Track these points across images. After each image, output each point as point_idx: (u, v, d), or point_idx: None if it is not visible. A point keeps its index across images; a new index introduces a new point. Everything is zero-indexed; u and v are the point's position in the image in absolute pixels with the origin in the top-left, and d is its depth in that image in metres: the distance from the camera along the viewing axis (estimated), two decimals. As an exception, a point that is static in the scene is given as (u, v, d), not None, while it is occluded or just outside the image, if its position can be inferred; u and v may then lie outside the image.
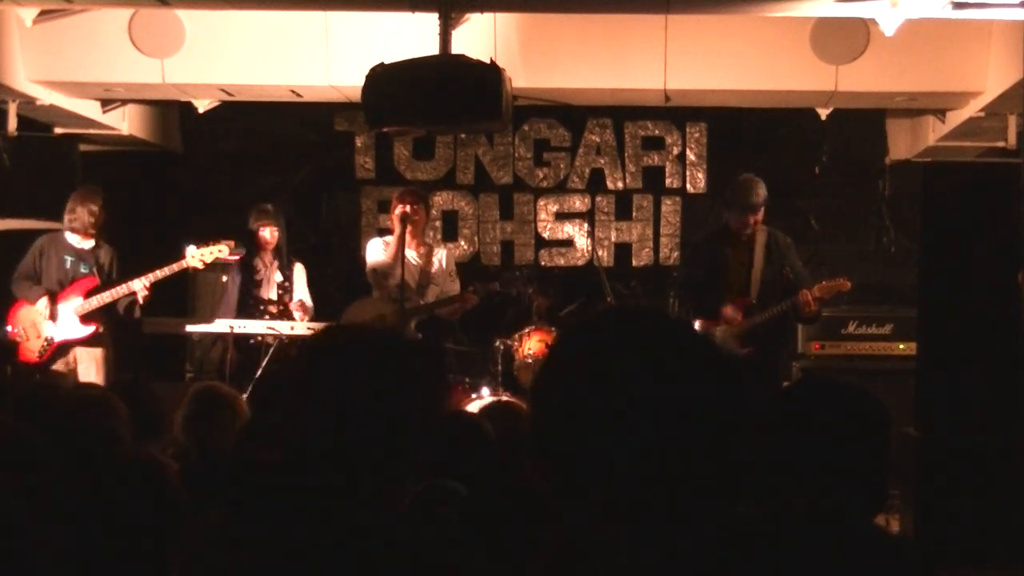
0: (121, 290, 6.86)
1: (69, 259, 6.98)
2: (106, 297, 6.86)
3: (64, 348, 6.90)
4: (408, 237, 6.95)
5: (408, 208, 6.82)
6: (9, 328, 6.89)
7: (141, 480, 2.67)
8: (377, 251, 7.03)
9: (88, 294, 6.89)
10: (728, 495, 1.38)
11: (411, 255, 6.98)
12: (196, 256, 6.98)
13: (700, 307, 6.60)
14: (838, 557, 1.13)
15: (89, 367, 6.94)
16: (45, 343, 6.84)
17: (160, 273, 6.86)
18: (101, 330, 6.95)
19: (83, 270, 6.98)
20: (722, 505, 1.34)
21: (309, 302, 7.36)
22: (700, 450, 1.34)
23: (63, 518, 2.60)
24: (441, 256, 7.18)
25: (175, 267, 6.92)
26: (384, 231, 9.04)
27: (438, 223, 9.02)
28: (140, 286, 6.82)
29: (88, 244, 7.03)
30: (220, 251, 7.04)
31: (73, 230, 6.99)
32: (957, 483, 5.56)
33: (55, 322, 6.85)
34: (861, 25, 6.53)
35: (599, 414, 1.31)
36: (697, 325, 6.50)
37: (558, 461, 1.34)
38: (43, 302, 6.82)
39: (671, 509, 1.33)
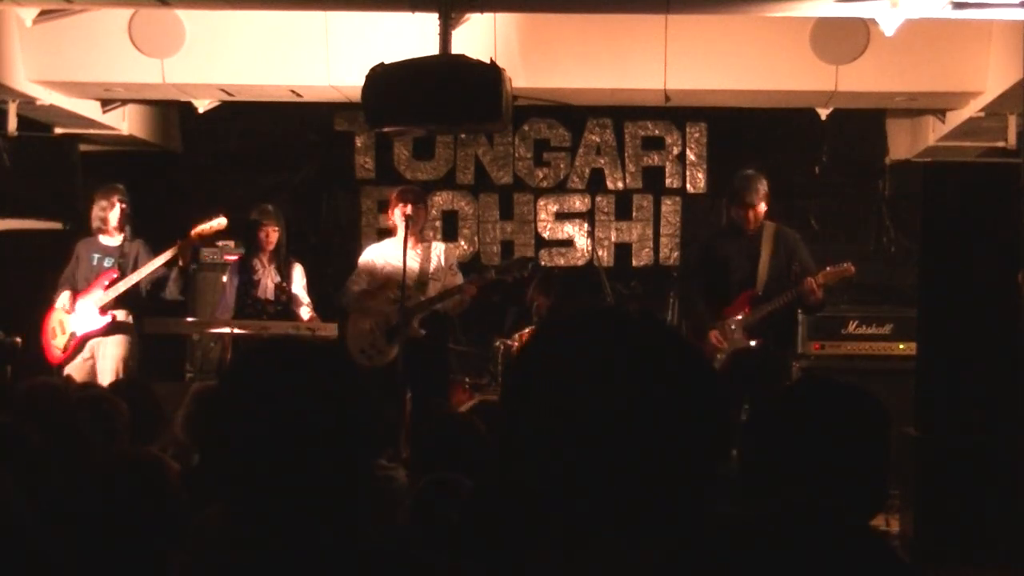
0: (139, 274, 6.99)
1: (96, 256, 7.16)
2: (121, 286, 7.00)
3: (84, 341, 7.04)
4: (408, 236, 6.96)
5: (410, 209, 6.81)
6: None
7: (141, 480, 2.67)
8: (373, 255, 7.07)
9: (109, 286, 7.04)
10: (727, 495, 1.38)
11: (411, 255, 6.95)
12: (197, 230, 7.17)
13: (706, 300, 6.58)
14: (836, 558, 1.13)
15: (106, 363, 7.03)
16: (68, 338, 7.00)
17: (170, 253, 7.02)
18: (119, 319, 7.07)
19: (107, 264, 7.12)
20: (721, 505, 1.34)
21: (307, 301, 7.38)
22: (700, 450, 1.34)
23: (63, 518, 2.60)
24: (439, 252, 7.15)
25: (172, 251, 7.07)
26: (383, 231, 9.05)
27: (438, 223, 9.02)
28: (171, 252, 6.97)
29: (115, 241, 7.18)
30: (219, 223, 7.21)
31: (97, 232, 7.18)
32: (957, 483, 5.56)
33: (76, 316, 7.01)
34: (861, 25, 6.53)
35: (599, 414, 1.31)
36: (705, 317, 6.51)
37: (553, 461, 1.34)
38: (63, 298, 7.00)
39: (671, 509, 1.33)
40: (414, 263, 6.94)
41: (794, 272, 6.43)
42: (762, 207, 6.46)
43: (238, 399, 1.66)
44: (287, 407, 1.63)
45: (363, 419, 1.68)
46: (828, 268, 6.42)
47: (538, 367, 1.38)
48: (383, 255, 7.05)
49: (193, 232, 7.17)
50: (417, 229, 6.97)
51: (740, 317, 6.43)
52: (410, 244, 6.88)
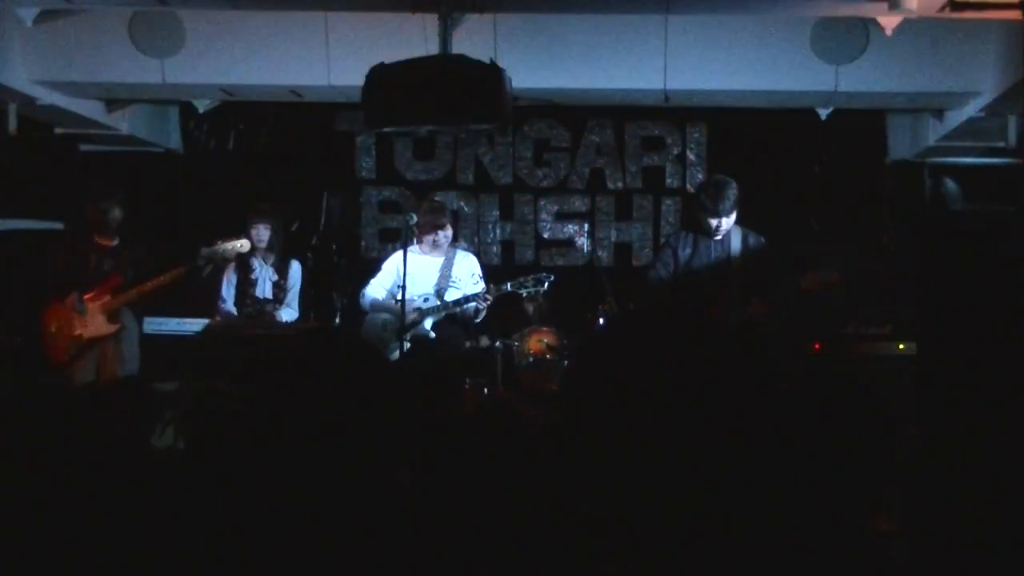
0: (147, 286, 6.96)
1: (94, 258, 7.10)
2: (133, 293, 6.95)
3: (91, 345, 7.01)
4: (430, 247, 7.18)
5: (439, 236, 7.11)
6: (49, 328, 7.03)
7: (142, 479, 2.67)
8: (399, 259, 7.15)
9: (115, 291, 6.98)
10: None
11: (433, 262, 7.13)
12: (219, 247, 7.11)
13: (677, 300, 6.56)
14: (835, 558, 1.13)
15: (111, 364, 7.04)
16: (73, 341, 6.96)
17: (178, 272, 6.97)
18: (126, 327, 7.06)
19: (108, 268, 7.07)
20: (722, 507, 1.35)
21: (293, 303, 7.40)
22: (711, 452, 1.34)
23: (64, 518, 2.60)
24: (463, 261, 7.33)
25: (181, 270, 7.05)
26: (384, 231, 9.07)
27: (439, 223, 9.03)
28: (180, 271, 6.96)
29: (112, 243, 7.13)
30: (243, 245, 7.15)
31: (93, 232, 7.10)
32: (957, 483, 5.56)
33: (84, 320, 6.96)
34: (861, 25, 6.53)
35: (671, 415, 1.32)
36: None
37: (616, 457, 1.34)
38: (71, 300, 6.94)
39: (672, 510, 1.33)
40: (435, 269, 7.11)
41: (762, 281, 6.45)
42: (733, 216, 6.45)
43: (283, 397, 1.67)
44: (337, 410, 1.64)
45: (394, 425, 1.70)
46: (810, 273, 6.41)
47: (589, 374, 1.38)
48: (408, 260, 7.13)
49: (214, 247, 7.10)
50: (439, 244, 7.11)
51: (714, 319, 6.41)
52: (435, 252, 7.13)
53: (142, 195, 8.59)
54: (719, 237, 6.50)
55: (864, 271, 7.53)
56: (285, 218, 7.67)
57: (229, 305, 7.37)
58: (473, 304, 7.11)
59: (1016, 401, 5.21)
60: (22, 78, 6.93)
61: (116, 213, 7.07)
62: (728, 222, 6.45)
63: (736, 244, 6.50)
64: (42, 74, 7.02)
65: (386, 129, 6.23)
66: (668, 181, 9.03)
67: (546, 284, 7.30)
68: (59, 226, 7.61)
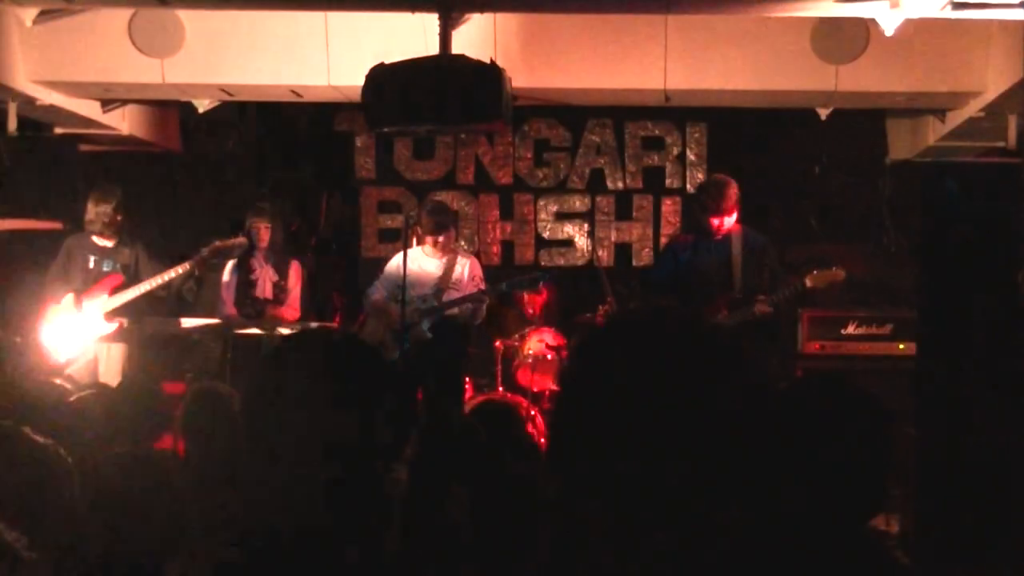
0: (149, 284, 6.95)
1: (93, 258, 7.11)
2: (131, 293, 6.94)
3: (88, 345, 6.99)
4: (434, 248, 7.16)
5: (442, 238, 7.11)
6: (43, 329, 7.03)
7: (143, 479, 2.67)
8: (400, 261, 7.16)
9: (113, 291, 7.00)
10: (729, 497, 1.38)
11: (434, 264, 7.12)
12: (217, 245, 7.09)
13: (680, 303, 6.55)
14: (835, 558, 1.13)
15: (111, 364, 7.01)
16: (72, 340, 6.95)
17: (183, 268, 6.95)
18: (125, 326, 7.05)
19: (106, 268, 7.09)
20: (722, 507, 1.35)
21: (296, 302, 7.39)
22: (715, 456, 1.34)
23: (66, 518, 2.60)
24: (465, 264, 7.30)
25: (180, 270, 7.01)
26: (384, 231, 9.07)
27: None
28: (188, 266, 6.92)
29: (110, 243, 7.13)
30: (240, 242, 7.17)
31: (91, 232, 7.10)
32: (957, 483, 5.56)
33: (81, 319, 6.97)
34: (861, 25, 6.53)
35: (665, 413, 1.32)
36: None
37: (615, 458, 1.34)
38: (68, 300, 6.95)
39: (672, 510, 1.33)
40: (436, 271, 7.12)
41: (764, 276, 6.44)
42: (733, 215, 6.46)
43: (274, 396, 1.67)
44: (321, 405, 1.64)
45: (386, 423, 1.70)
46: (816, 272, 6.42)
47: (607, 367, 1.38)
48: (409, 261, 7.13)
49: (213, 246, 7.10)
50: (443, 246, 7.10)
51: (718, 319, 6.42)
52: (437, 254, 7.13)
53: (142, 195, 8.59)
54: (719, 237, 6.51)
55: (864, 271, 7.53)
56: (285, 218, 7.66)
57: (229, 305, 7.37)
58: (470, 305, 7.12)
59: (1016, 401, 5.21)
60: (22, 78, 6.92)
61: (115, 213, 7.08)
62: (728, 221, 6.47)
63: (737, 244, 6.51)
64: (42, 74, 7.02)
65: (386, 129, 6.23)
66: (668, 181, 9.04)
67: (539, 283, 7.32)
68: (59, 226, 7.59)
